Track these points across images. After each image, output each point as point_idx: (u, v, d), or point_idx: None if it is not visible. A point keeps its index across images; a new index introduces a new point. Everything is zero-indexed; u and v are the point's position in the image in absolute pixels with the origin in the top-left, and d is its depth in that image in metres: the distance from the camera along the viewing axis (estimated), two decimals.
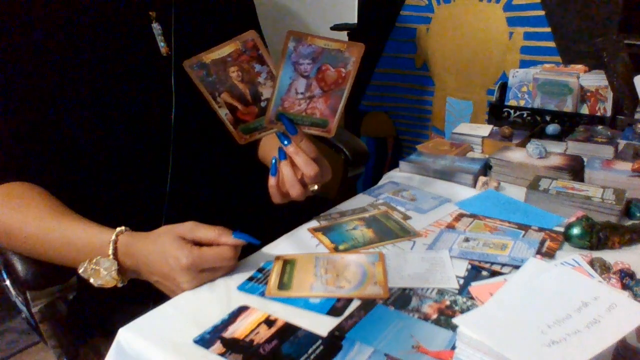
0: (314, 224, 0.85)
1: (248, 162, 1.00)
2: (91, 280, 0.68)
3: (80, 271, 0.68)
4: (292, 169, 0.73)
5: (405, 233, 0.81)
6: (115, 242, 0.68)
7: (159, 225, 0.87)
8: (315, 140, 0.74)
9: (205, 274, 0.67)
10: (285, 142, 0.72)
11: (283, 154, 0.73)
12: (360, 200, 0.94)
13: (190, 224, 0.68)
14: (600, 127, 1.21)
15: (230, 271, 0.70)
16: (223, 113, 0.72)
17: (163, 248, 0.66)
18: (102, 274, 0.67)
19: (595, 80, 1.32)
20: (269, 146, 0.99)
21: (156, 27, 0.82)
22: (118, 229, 0.69)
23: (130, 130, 0.81)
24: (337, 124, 0.72)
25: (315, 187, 0.75)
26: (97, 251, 0.68)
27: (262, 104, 0.72)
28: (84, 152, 0.80)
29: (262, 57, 0.69)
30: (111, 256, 0.68)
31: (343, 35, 2.18)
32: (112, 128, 0.80)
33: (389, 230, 0.82)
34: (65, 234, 0.71)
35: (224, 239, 0.67)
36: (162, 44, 0.83)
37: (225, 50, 0.68)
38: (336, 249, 0.76)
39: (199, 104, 0.86)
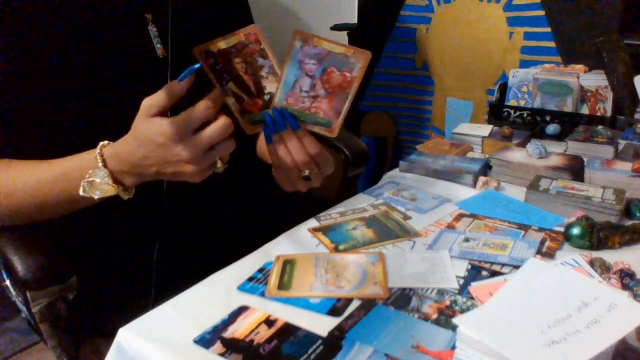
0: (314, 223, 0.85)
1: (247, 162, 1.00)
2: (93, 196, 0.69)
3: (80, 192, 0.69)
4: (285, 151, 0.75)
5: (405, 233, 0.81)
6: (101, 154, 0.70)
7: (158, 226, 0.87)
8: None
9: (202, 137, 0.66)
10: (272, 131, 0.74)
11: (269, 139, 0.75)
12: (360, 200, 0.94)
13: (144, 103, 0.68)
14: (600, 127, 1.21)
15: (227, 130, 0.68)
16: (230, 101, 0.73)
17: (144, 135, 0.67)
18: (97, 183, 0.69)
19: (595, 80, 1.32)
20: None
21: (152, 29, 0.83)
22: (100, 143, 0.71)
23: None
24: (340, 125, 0.74)
25: (307, 172, 0.77)
26: (89, 169, 0.70)
27: (266, 97, 0.73)
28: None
29: (265, 51, 0.71)
30: (101, 165, 0.69)
31: (343, 36, 2.18)
32: (109, 129, 0.80)
33: (389, 230, 0.82)
34: (56, 170, 0.73)
35: (175, 87, 0.67)
36: (158, 46, 0.83)
37: (230, 40, 0.70)
38: (336, 249, 0.76)
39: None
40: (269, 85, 0.72)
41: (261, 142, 1.02)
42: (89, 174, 0.69)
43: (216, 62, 0.71)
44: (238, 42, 0.70)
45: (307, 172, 0.77)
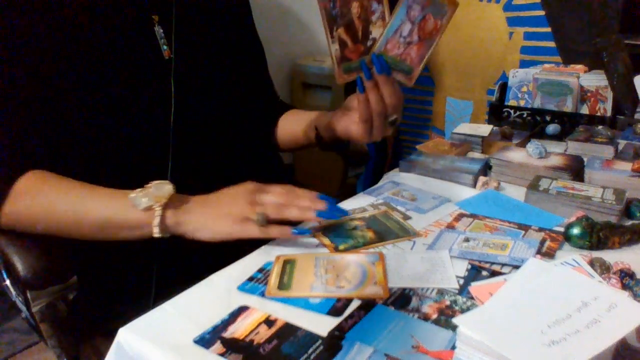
0: (314, 223, 0.85)
1: (247, 163, 1.00)
2: (140, 205, 0.73)
3: (130, 195, 0.73)
4: (377, 97, 0.78)
5: (405, 233, 0.81)
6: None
7: None
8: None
9: (264, 197, 0.74)
10: (367, 76, 0.76)
11: (362, 87, 0.78)
12: (360, 200, 0.94)
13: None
14: (600, 127, 1.21)
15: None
16: (333, 49, 0.75)
17: (230, 190, 0.76)
18: (150, 192, 0.73)
19: (595, 80, 1.32)
20: (290, 124, 1.06)
21: (159, 30, 0.83)
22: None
23: (131, 132, 0.81)
24: (417, 75, 0.77)
25: (394, 116, 0.81)
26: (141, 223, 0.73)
27: (368, 43, 0.76)
28: (86, 153, 0.80)
29: None
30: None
31: None
32: (114, 130, 0.80)
33: (389, 230, 0.82)
34: (103, 214, 0.75)
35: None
36: (164, 47, 0.83)
37: None
38: (336, 249, 0.76)
39: (198, 106, 0.87)
40: (375, 31, 0.75)
41: (283, 127, 1.07)
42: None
43: (335, 5, 0.73)
44: None
45: (394, 116, 0.80)
